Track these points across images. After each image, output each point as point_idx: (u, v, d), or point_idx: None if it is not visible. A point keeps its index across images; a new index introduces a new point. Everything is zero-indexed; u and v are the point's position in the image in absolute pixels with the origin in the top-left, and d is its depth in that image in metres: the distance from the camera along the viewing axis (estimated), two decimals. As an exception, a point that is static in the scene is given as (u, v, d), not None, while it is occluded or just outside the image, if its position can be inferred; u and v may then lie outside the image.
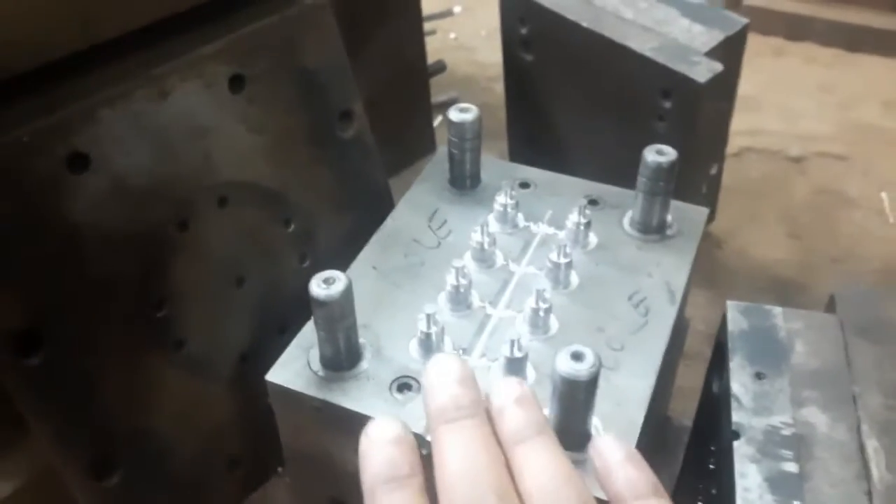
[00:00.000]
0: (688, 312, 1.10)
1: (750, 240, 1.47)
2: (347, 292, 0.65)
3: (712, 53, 1.12)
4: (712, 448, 0.73)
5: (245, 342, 1.00)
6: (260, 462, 1.08)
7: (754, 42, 1.30)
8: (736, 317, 0.76)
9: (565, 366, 0.59)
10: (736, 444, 0.65)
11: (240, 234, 0.96)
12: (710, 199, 1.36)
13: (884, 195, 1.55)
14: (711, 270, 1.39)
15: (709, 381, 0.81)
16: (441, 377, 0.50)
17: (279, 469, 1.10)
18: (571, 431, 0.63)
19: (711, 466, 0.73)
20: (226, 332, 0.99)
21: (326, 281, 0.65)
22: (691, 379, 1.23)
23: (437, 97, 1.64)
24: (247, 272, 0.98)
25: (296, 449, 0.76)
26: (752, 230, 1.48)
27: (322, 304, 0.65)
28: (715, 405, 0.75)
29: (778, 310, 0.77)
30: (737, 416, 0.67)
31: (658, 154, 0.78)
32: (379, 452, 0.47)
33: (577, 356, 0.59)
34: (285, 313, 0.99)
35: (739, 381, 0.70)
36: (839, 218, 1.52)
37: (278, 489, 1.09)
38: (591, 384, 0.59)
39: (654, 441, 1.01)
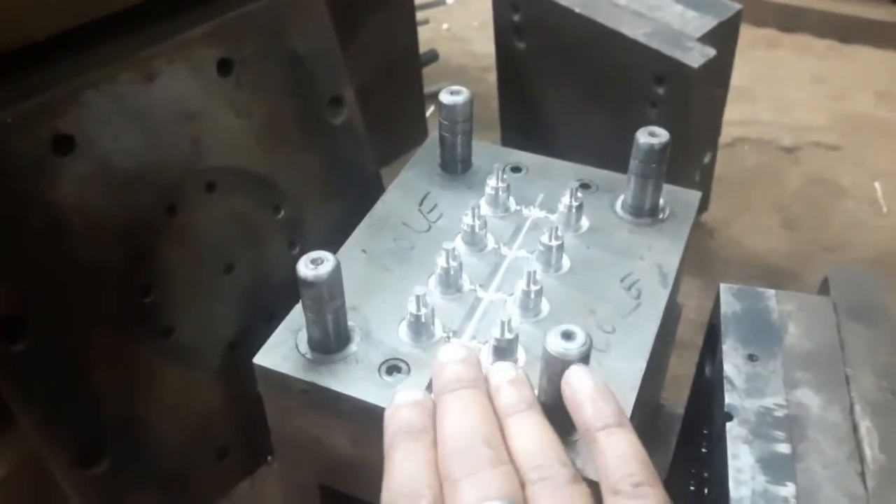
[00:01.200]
0: (680, 301, 1.10)
1: (743, 229, 1.46)
2: (336, 273, 0.65)
3: (705, 39, 1.12)
4: (705, 432, 0.72)
5: (233, 330, 0.99)
6: (249, 451, 1.07)
7: (748, 33, 1.30)
8: (728, 299, 0.75)
9: (556, 345, 0.58)
10: (728, 425, 0.64)
11: (228, 220, 0.95)
12: (703, 187, 1.35)
13: (877, 185, 1.55)
14: (704, 259, 1.39)
15: (701, 365, 0.80)
16: (447, 357, 0.58)
17: (269, 458, 1.09)
18: (562, 412, 0.62)
19: (704, 450, 0.72)
20: (214, 319, 0.98)
21: (314, 261, 0.64)
22: (684, 367, 1.23)
23: (429, 87, 1.63)
24: (236, 259, 0.97)
25: (284, 434, 0.75)
26: (745, 219, 1.48)
27: (310, 284, 0.64)
28: (708, 388, 0.74)
29: (771, 292, 0.76)
30: (729, 398, 0.66)
31: (650, 136, 0.78)
32: (400, 411, 0.55)
33: (567, 335, 0.58)
34: (274, 301, 0.98)
35: (732, 363, 0.69)
36: (832, 208, 1.51)
37: (268, 478, 1.08)
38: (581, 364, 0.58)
39: (646, 428, 1.01)
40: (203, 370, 0.97)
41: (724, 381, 0.67)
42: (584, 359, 0.58)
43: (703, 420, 0.74)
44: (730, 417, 0.65)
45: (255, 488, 1.07)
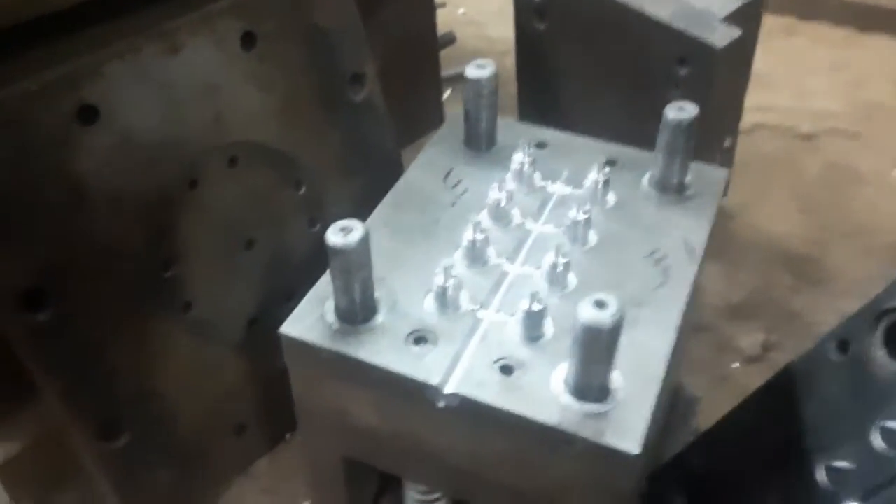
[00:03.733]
0: (699, 286, 1.09)
1: (762, 214, 1.45)
2: (364, 242, 0.64)
3: (730, 20, 1.11)
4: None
5: (253, 306, 0.99)
6: (268, 428, 1.07)
7: (767, 21, 1.28)
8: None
9: (589, 313, 0.57)
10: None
11: (249, 195, 0.95)
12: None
13: (895, 172, 1.54)
14: (724, 244, 1.38)
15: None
16: None
17: (287, 436, 1.09)
18: (592, 384, 0.62)
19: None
20: (234, 295, 0.98)
21: (344, 229, 0.64)
22: (702, 351, 1.22)
23: (446, 71, 1.62)
24: (256, 235, 0.97)
25: (309, 406, 0.74)
26: (764, 205, 1.47)
27: (339, 252, 0.63)
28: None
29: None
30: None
31: (680, 110, 0.77)
32: None
33: (600, 304, 0.58)
34: (294, 278, 0.98)
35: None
36: (850, 194, 1.50)
37: (286, 455, 1.08)
38: (614, 332, 0.58)
39: (667, 406, 1.00)
40: (222, 345, 0.97)
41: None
42: (617, 328, 0.58)
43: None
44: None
45: (274, 465, 1.07)
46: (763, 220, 1.44)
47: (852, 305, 1.32)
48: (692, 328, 1.02)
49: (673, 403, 1.05)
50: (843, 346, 0.71)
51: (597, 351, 0.59)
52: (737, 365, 1.22)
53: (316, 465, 0.81)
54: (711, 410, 1.13)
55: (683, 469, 0.84)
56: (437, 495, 0.82)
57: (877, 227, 1.43)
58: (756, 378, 1.20)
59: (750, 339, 1.25)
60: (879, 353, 0.67)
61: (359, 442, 0.74)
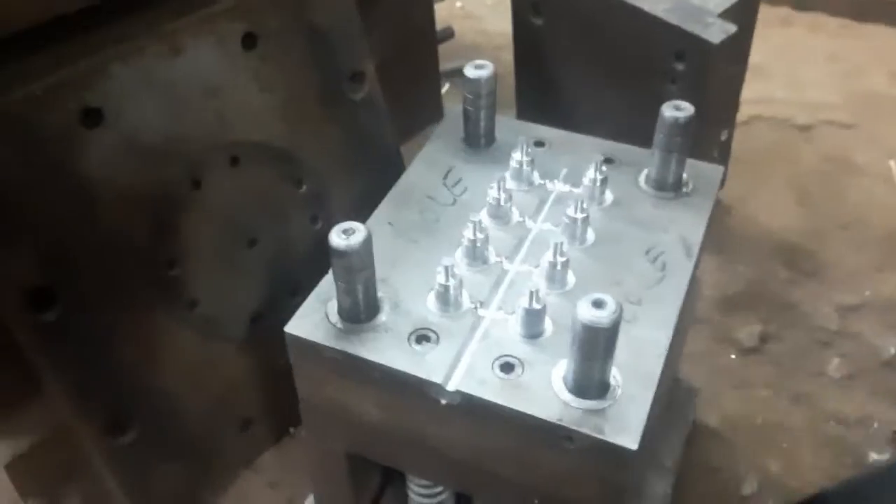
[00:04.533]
0: (697, 280, 1.10)
1: (758, 206, 1.46)
2: (367, 243, 0.65)
3: (726, 15, 1.12)
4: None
5: (257, 303, 1.00)
6: (272, 422, 1.09)
7: (762, 12, 1.29)
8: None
9: (587, 313, 0.59)
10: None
11: (252, 194, 0.96)
12: (720, 165, 1.35)
13: (892, 163, 1.55)
14: (720, 236, 1.39)
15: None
16: None
17: (291, 430, 1.10)
18: (591, 381, 0.63)
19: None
20: (238, 292, 0.99)
21: (346, 231, 0.65)
22: (700, 343, 1.24)
23: (444, 65, 1.62)
24: (259, 233, 0.98)
25: (313, 402, 0.76)
26: (760, 197, 1.48)
27: (342, 254, 0.65)
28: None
29: None
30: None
31: (676, 109, 0.78)
32: None
33: (598, 304, 0.59)
34: (297, 275, 0.99)
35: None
36: (846, 185, 1.51)
37: (291, 449, 1.10)
38: (612, 331, 0.59)
39: (664, 400, 1.02)
40: (226, 342, 0.99)
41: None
42: (615, 327, 0.59)
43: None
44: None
45: (279, 458, 1.09)
46: (760, 212, 1.46)
47: (848, 297, 1.34)
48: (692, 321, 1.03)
49: (671, 396, 1.07)
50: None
51: (595, 349, 0.60)
52: (734, 356, 1.24)
53: (319, 461, 0.83)
54: (710, 402, 1.16)
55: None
56: (439, 489, 0.84)
57: (873, 217, 1.45)
58: (754, 369, 1.23)
59: (747, 330, 1.27)
60: None
61: (362, 438, 0.76)
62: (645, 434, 0.63)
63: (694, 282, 0.86)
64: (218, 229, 0.94)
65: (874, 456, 1.06)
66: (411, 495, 0.85)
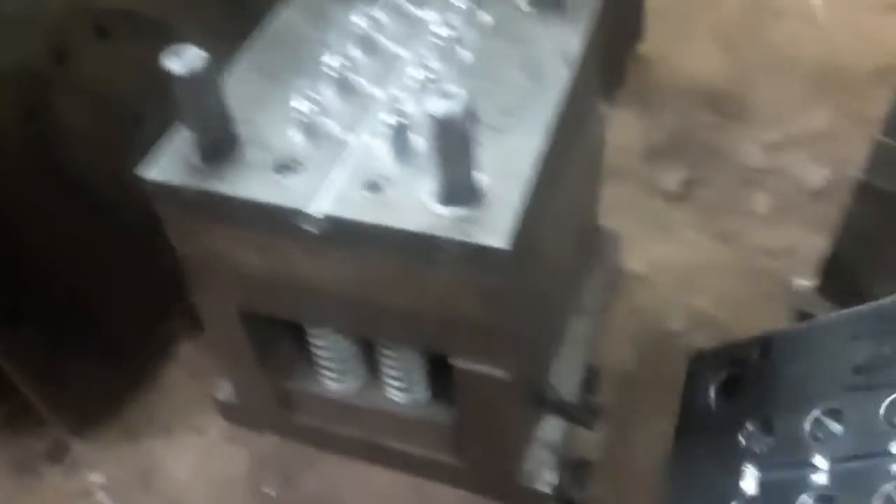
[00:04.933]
0: (619, 132, 1.07)
1: (682, 57, 1.43)
2: (205, 62, 0.61)
3: None
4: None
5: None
6: (191, 311, 1.06)
7: None
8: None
9: (436, 105, 0.56)
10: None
11: (127, 69, 0.91)
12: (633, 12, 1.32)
13: (815, 1, 1.51)
14: (643, 89, 1.36)
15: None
16: None
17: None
18: (456, 186, 0.61)
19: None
20: (129, 173, 0.95)
21: (177, 53, 0.61)
22: (624, 192, 1.21)
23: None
24: (143, 110, 0.93)
25: (190, 256, 0.73)
26: (683, 48, 1.44)
27: (180, 79, 0.61)
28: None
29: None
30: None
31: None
32: None
33: (446, 94, 0.56)
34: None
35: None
36: (770, 28, 1.48)
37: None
38: (463, 122, 0.56)
39: (584, 246, 1.00)
40: (125, 227, 0.95)
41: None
42: (468, 116, 0.56)
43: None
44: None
45: (199, 349, 1.06)
46: (684, 63, 1.42)
47: (774, 135, 1.31)
48: (611, 173, 1.00)
49: (591, 242, 1.05)
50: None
51: (452, 145, 0.58)
52: (660, 202, 1.22)
53: (214, 323, 0.80)
54: (636, 248, 1.13)
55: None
56: (339, 343, 0.81)
57: (798, 57, 1.41)
58: (680, 214, 1.21)
59: (672, 177, 1.24)
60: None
61: (249, 291, 0.73)
62: (519, 236, 0.60)
63: (586, 102, 0.83)
64: (95, 107, 0.89)
65: (802, 282, 1.05)
66: (316, 359, 0.83)
